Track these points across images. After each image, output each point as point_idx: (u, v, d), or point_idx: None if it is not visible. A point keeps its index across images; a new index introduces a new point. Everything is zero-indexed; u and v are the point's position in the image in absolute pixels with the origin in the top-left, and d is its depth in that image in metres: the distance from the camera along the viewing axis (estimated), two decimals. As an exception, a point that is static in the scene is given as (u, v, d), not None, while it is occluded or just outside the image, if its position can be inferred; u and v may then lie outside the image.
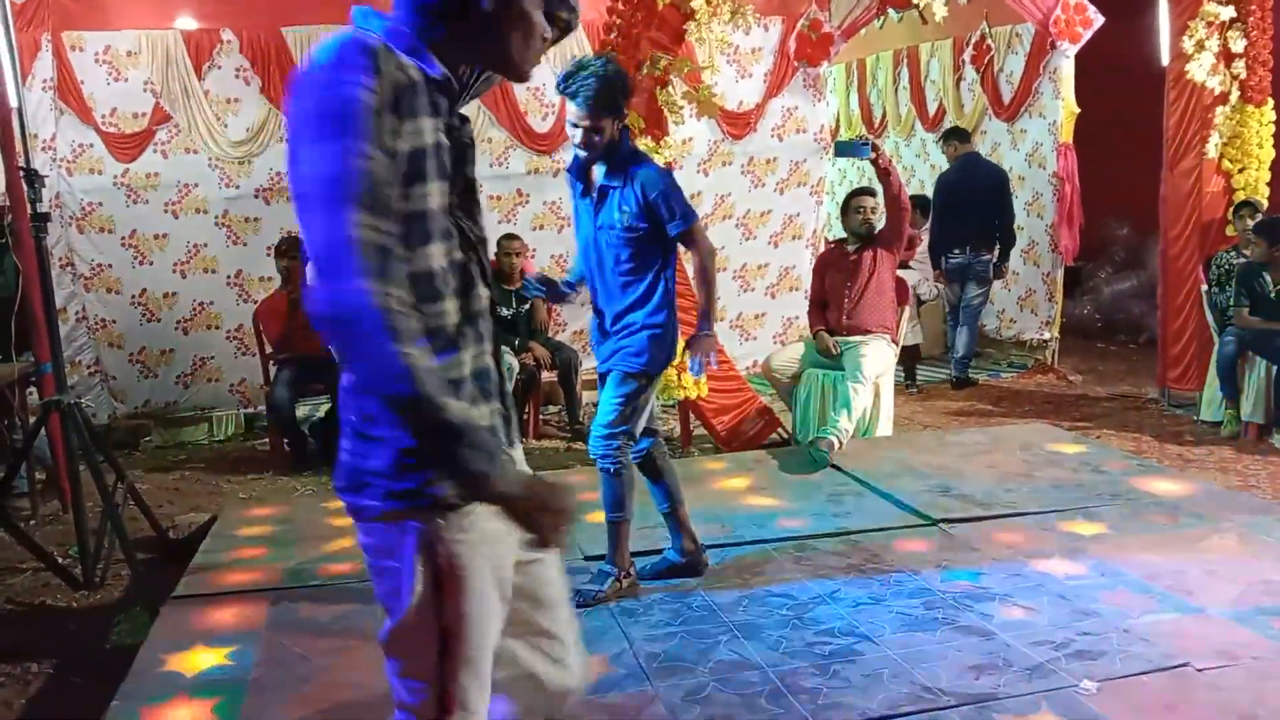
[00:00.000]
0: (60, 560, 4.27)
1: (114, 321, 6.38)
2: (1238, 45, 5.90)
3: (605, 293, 3.54)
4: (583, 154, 3.40)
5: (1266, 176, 6.07)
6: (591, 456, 3.59)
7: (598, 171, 3.47)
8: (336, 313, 1.45)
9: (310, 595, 3.77)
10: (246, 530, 4.51)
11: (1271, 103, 6.03)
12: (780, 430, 5.68)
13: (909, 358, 7.26)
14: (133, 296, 6.38)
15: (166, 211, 6.36)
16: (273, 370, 6.04)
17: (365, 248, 1.44)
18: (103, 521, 4.16)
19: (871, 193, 5.76)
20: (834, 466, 4.94)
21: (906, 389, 7.08)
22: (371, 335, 1.44)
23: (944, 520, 4.20)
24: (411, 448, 1.54)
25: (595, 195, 3.48)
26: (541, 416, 6.49)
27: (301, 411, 6.20)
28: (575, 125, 3.34)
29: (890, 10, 6.92)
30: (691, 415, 5.67)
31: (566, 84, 3.29)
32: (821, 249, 6.87)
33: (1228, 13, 5.86)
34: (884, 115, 9.88)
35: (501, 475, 1.50)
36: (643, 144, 5.23)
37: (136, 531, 4.47)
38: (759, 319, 7.30)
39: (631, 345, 3.52)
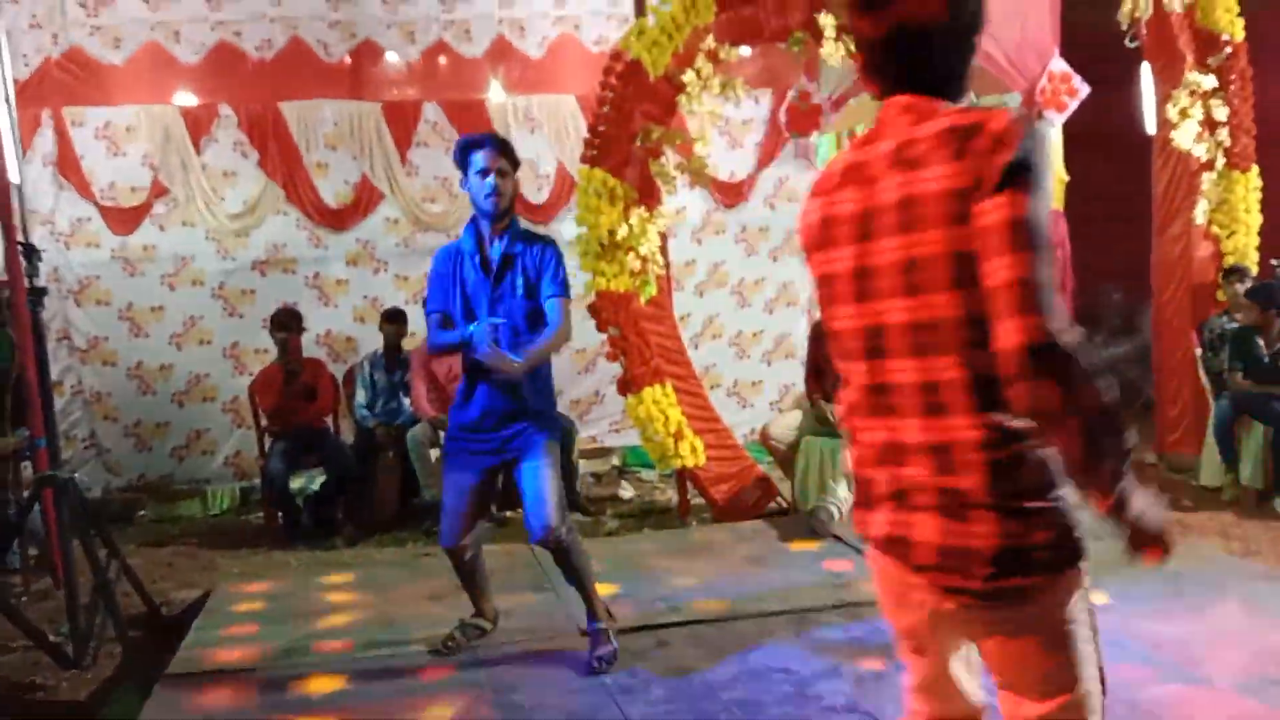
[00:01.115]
0: (51, 638, 4.20)
1: (109, 394, 6.38)
2: (1221, 114, 5.99)
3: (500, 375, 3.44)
4: (498, 205, 3.41)
5: (1255, 241, 6.13)
6: (551, 543, 3.49)
7: (496, 245, 3.47)
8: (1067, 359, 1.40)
9: (303, 673, 3.72)
10: (240, 606, 4.45)
11: (1257, 169, 6.11)
12: (779, 499, 5.65)
13: None
14: (129, 369, 6.38)
15: (163, 284, 6.39)
16: (267, 443, 6.02)
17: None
18: (94, 598, 4.11)
19: None
20: (834, 537, 4.91)
21: None
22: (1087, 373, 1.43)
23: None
24: (1068, 504, 1.54)
25: (497, 265, 3.47)
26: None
27: (296, 484, 6.17)
28: (488, 171, 3.39)
29: (879, 81, 7.00)
30: (689, 485, 5.64)
31: (470, 141, 3.43)
32: (817, 316, 6.92)
33: (1209, 82, 5.96)
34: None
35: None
36: (637, 214, 5.28)
37: (129, 608, 4.41)
38: (756, 386, 7.31)
39: (539, 420, 3.53)
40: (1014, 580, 1.53)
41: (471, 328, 3.41)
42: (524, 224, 3.65)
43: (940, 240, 1.49)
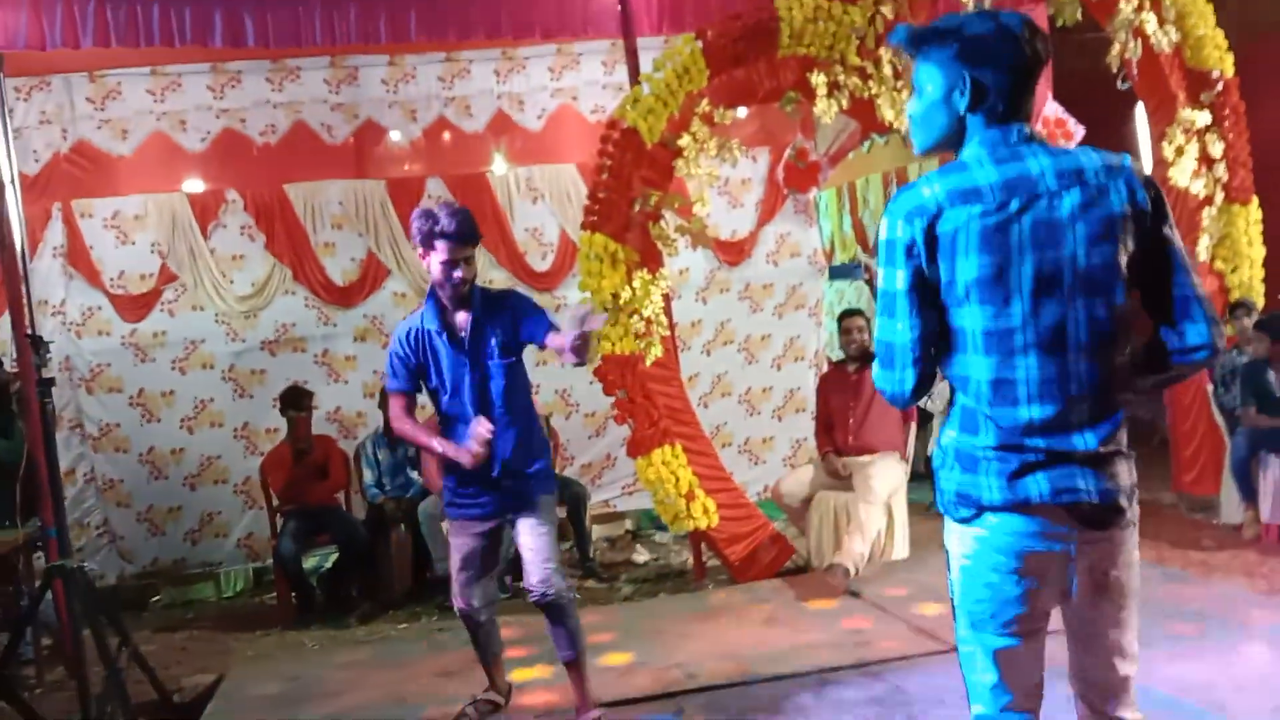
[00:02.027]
0: (63, 731, 4.17)
1: (122, 481, 6.39)
2: (1216, 149, 6.01)
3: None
4: (462, 291, 3.42)
5: (1260, 274, 6.10)
6: (550, 598, 3.48)
7: (462, 314, 3.48)
8: None
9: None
10: (254, 690, 4.42)
11: (1256, 200, 6.11)
12: (794, 557, 5.59)
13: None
14: (140, 455, 6.40)
15: (173, 369, 6.43)
16: (279, 522, 6.01)
17: None
18: (105, 687, 4.07)
19: (860, 313, 5.84)
20: (851, 593, 4.84)
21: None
22: None
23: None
24: None
25: (467, 333, 3.46)
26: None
27: (309, 564, 6.15)
28: (456, 262, 3.38)
29: (874, 135, 7.09)
30: (704, 546, 5.59)
31: (451, 226, 3.34)
32: (824, 369, 6.90)
33: (1203, 117, 5.98)
34: (877, 235, 10.03)
35: None
36: (640, 277, 5.31)
37: (141, 695, 4.37)
38: (767, 443, 7.27)
39: (535, 478, 3.56)
40: None
41: (446, 446, 3.46)
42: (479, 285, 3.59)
43: None
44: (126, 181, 6.38)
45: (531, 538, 3.48)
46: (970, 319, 1.93)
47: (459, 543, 3.62)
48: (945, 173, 1.94)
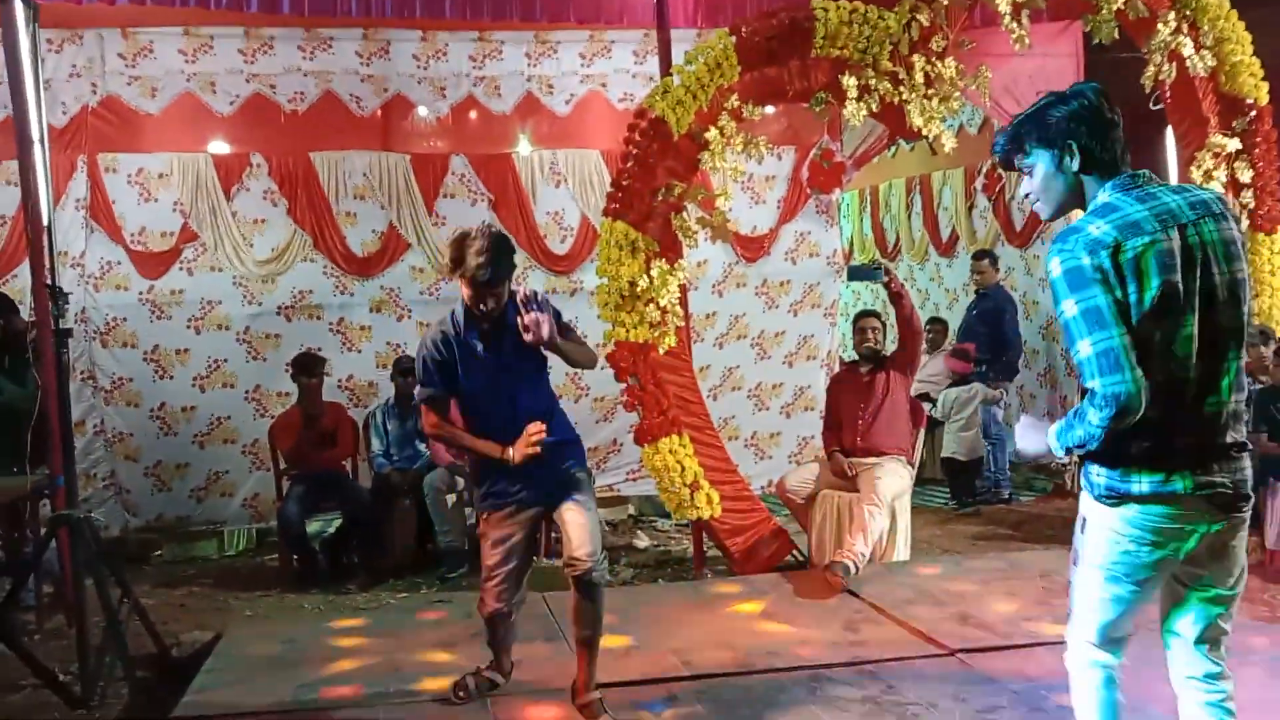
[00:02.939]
0: (60, 677, 4.20)
1: (131, 435, 6.43)
2: (1245, 175, 5.99)
3: (518, 433, 3.48)
4: (490, 316, 3.44)
5: (1280, 303, 6.09)
6: (594, 574, 3.48)
7: (494, 318, 3.48)
8: None
9: (311, 718, 3.70)
10: (251, 649, 4.44)
11: (1283, 231, 6.09)
12: (795, 553, 5.60)
13: (959, 474, 7.19)
14: (151, 410, 6.44)
15: (189, 327, 6.47)
16: (285, 486, 6.05)
17: None
18: (105, 638, 4.11)
19: (875, 314, 5.84)
20: (850, 592, 4.85)
21: (961, 510, 7.04)
22: None
23: (961, 650, 4.10)
24: None
25: (506, 337, 3.48)
26: (553, 535, 6.41)
27: (313, 528, 6.18)
28: (488, 304, 3.39)
29: (901, 140, 7.08)
30: (705, 536, 5.61)
31: (484, 275, 3.31)
32: (836, 369, 6.91)
33: (1234, 144, 5.96)
34: (897, 240, 10.02)
35: None
36: (658, 266, 5.31)
37: (140, 648, 4.41)
38: (774, 438, 7.28)
39: (569, 452, 3.62)
40: None
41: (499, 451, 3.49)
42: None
43: None
44: (153, 139, 6.40)
45: (577, 514, 3.49)
46: (1151, 330, 2.22)
47: (499, 536, 3.59)
48: (1102, 214, 2.27)
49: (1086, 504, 2.42)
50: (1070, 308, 2.24)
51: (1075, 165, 2.34)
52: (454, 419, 3.70)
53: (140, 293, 6.40)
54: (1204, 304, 2.25)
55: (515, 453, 3.44)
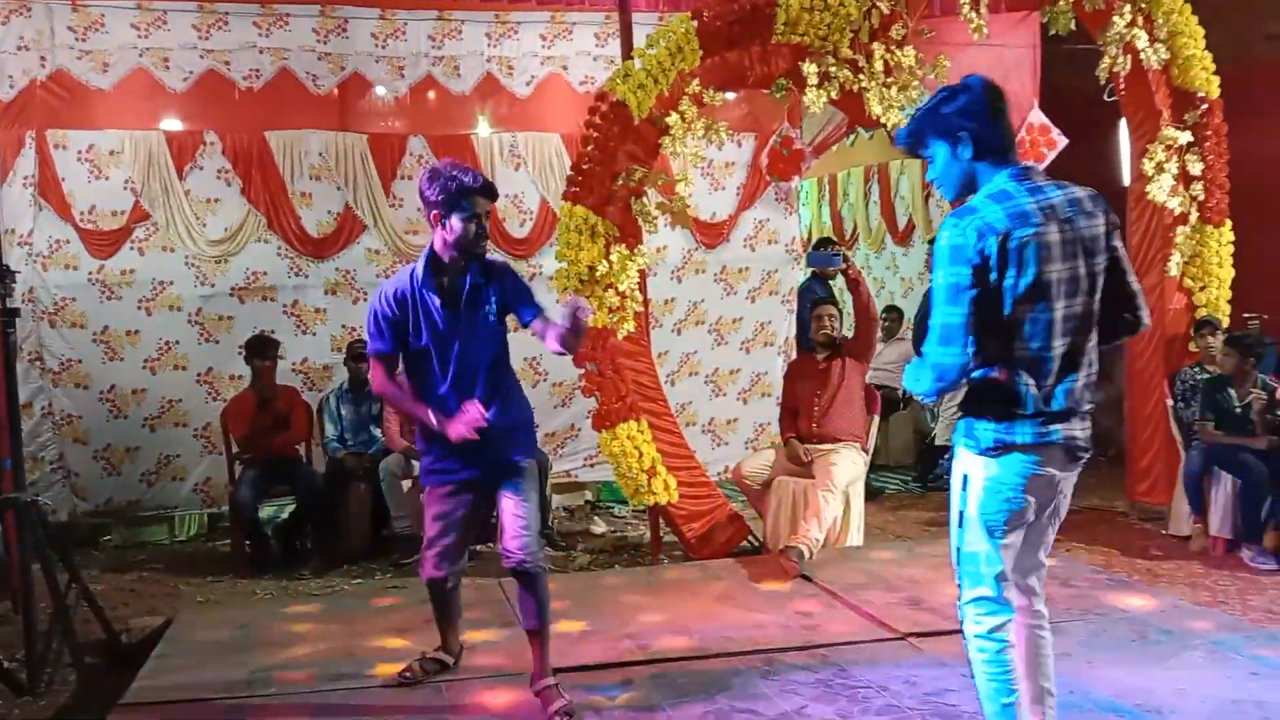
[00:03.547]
0: (5, 664, 4.13)
1: (80, 417, 6.32)
2: (1195, 168, 6.08)
3: (476, 399, 3.43)
4: (485, 249, 3.44)
5: (1227, 295, 6.19)
6: (527, 565, 3.42)
7: (464, 278, 3.43)
8: None
9: (264, 704, 3.67)
10: (202, 635, 4.40)
11: (1230, 223, 6.19)
12: (750, 538, 5.64)
13: (937, 456, 7.27)
14: (101, 392, 6.33)
15: (140, 308, 6.36)
16: (238, 470, 5.98)
17: None
18: (52, 624, 4.05)
19: (832, 302, 5.88)
20: (804, 577, 4.90)
21: (930, 486, 7.12)
22: None
23: (913, 634, 4.15)
24: None
25: (465, 295, 3.42)
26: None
27: (266, 513, 6.13)
28: (481, 218, 3.37)
29: (860, 128, 7.11)
30: (661, 522, 5.63)
31: (478, 181, 3.35)
32: (793, 356, 6.94)
33: (1185, 137, 6.06)
34: (855, 228, 10.09)
35: None
36: (618, 251, 5.31)
37: (89, 634, 4.35)
38: (731, 424, 7.31)
39: (519, 438, 3.57)
40: None
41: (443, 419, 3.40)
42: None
43: None
44: (104, 115, 6.27)
45: (515, 504, 3.45)
46: (1026, 312, 2.51)
47: (439, 509, 3.56)
48: (998, 199, 2.54)
49: (968, 461, 2.68)
50: (940, 277, 2.53)
51: (968, 153, 2.60)
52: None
53: (90, 272, 6.28)
54: (1069, 292, 2.55)
55: (453, 431, 3.36)
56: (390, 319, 3.43)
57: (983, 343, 2.52)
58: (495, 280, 3.49)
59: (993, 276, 2.50)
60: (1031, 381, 2.56)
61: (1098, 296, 2.61)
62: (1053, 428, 2.59)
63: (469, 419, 3.34)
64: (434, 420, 3.41)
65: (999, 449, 2.60)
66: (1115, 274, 2.65)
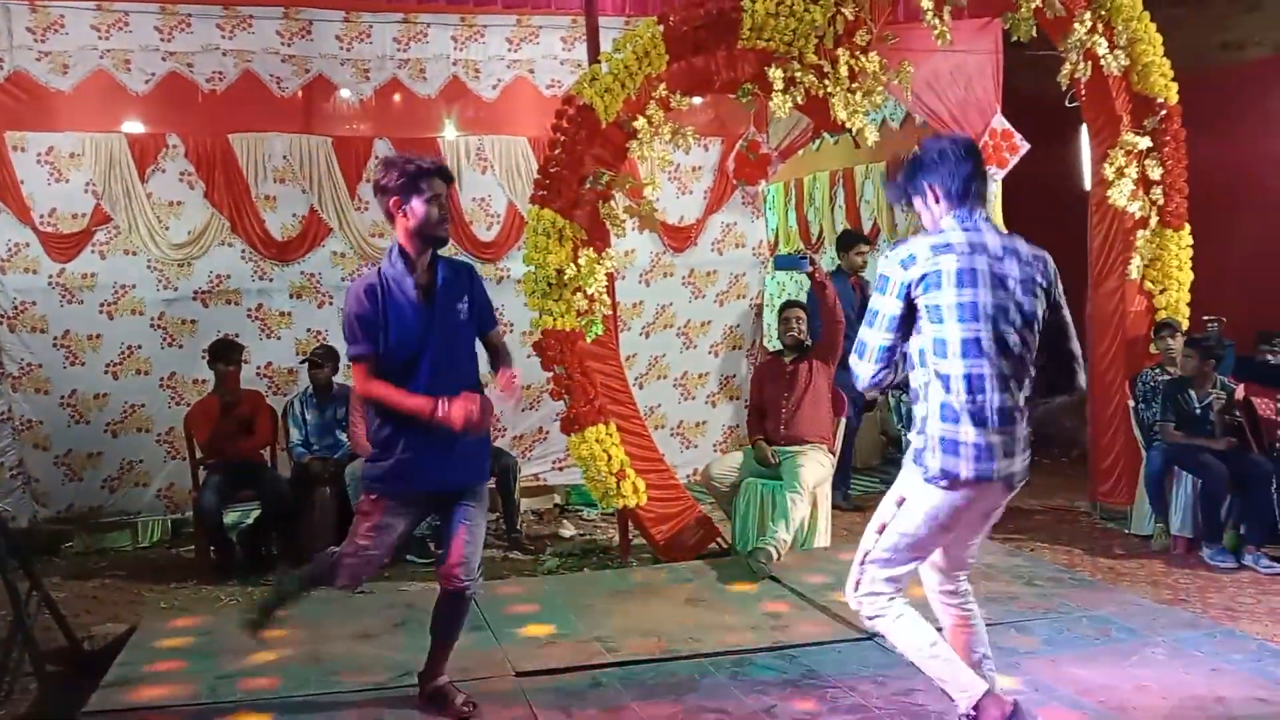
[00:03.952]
0: (-36, 674, 4.06)
1: (40, 422, 6.22)
2: (1155, 173, 6.18)
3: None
4: (448, 233, 3.36)
5: (1186, 297, 6.29)
6: (469, 590, 3.41)
7: (436, 272, 3.36)
8: None
9: (228, 711, 3.63)
10: (166, 642, 4.35)
11: (1189, 227, 6.29)
12: (719, 540, 5.66)
13: None
14: (62, 397, 6.24)
15: (101, 312, 6.27)
16: (202, 475, 5.92)
17: None
18: (12, 632, 3.99)
19: (802, 305, 5.92)
20: (772, 578, 4.92)
21: None
22: None
23: (880, 635, 4.16)
24: None
25: (439, 292, 3.34)
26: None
27: (230, 519, 6.07)
28: (441, 199, 3.29)
29: (825, 134, 7.15)
30: (630, 525, 5.63)
31: (434, 164, 3.32)
32: (760, 359, 6.98)
33: (1145, 142, 6.15)
34: (821, 232, 10.13)
35: None
36: (586, 255, 5.31)
37: (50, 642, 4.28)
38: (699, 427, 7.33)
39: (485, 452, 3.55)
40: None
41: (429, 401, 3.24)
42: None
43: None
44: (64, 117, 6.18)
45: (468, 528, 3.38)
46: (950, 332, 2.79)
47: (382, 520, 3.39)
48: (933, 235, 2.88)
49: (913, 485, 2.90)
50: (873, 300, 2.89)
51: (932, 199, 2.94)
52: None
53: (50, 276, 6.18)
54: (996, 321, 2.79)
55: (457, 412, 3.19)
56: (367, 317, 3.28)
57: (908, 358, 2.88)
58: (468, 279, 3.44)
59: (915, 294, 2.81)
60: (962, 399, 2.79)
61: (1029, 333, 2.84)
62: (994, 462, 2.80)
63: (473, 404, 3.20)
64: (437, 407, 3.20)
65: (946, 481, 2.82)
66: (1056, 332, 2.91)
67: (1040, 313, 2.85)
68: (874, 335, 2.85)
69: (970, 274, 2.79)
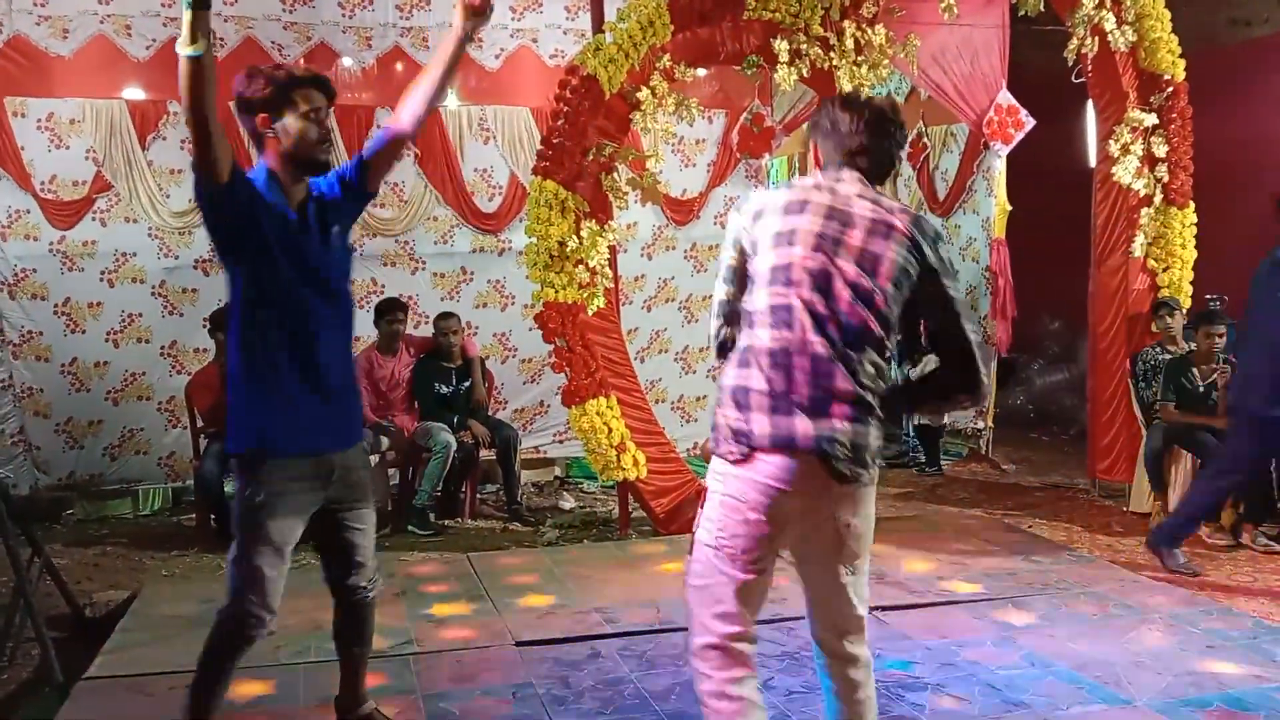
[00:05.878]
0: (-33, 638, 4.09)
1: (41, 390, 6.23)
2: (1160, 150, 6.14)
3: (331, 343, 2.82)
4: (331, 156, 2.81)
5: (1190, 276, 6.27)
6: (373, 598, 3.09)
7: (311, 192, 2.80)
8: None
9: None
10: (167, 609, 4.36)
11: (1193, 205, 6.27)
12: (718, 514, 5.66)
13: (930, 436, 7.32)
14: (63, 365, 6.24)
15: (102, 280, 6.27)
16: (202, 444, 5.93)
17: None
18: (14, 598, 4.00)
19: None
20: (771, 552, 4.92)
21: (926, 471, 7.14)
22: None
23: (878, 608, 4.19)
24: None
25: (314, 210, 2.79)
26: (479, 496, 6.41)
27: (230, 487, 6.07)
28: (323, 114, 2.75)
29: (830, 106, 7.07)
30: (630, 497, 5.64)
31: (308, 72, 2.80)
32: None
33: (1150, 119, 6.11)
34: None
35: None
36: (588, 227, 5.29)
37: (51, 609, 4.31)
38: (700, 401, 7.34)
39: (359, 417, 3.09)
40: None
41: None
42: None
43: None
44: (64, 83, 6.13)
45: (363, 534, 3.00)
46: (761, 296, 2.41)
47: (281, 524, 2.80)
48: (776, 188, 2.57)
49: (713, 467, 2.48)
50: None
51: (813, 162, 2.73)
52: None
53: (51, 243, 6.17)
54: (816, 284, 2.35)
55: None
56: (244, 182, 2.68)
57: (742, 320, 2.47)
58: (330, 182, 2.84)
59: (748, 253, 2.50)
60: (758, 379, 2.35)
61: (871, 310, 2.33)
62: (808, 429, 2.29)
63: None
64: None
65: (738, 456, 2.36)
66: (941, 317, 2.42)
67: (889, 287, 2.36)
68: (719, 290, 2.60)
69: (793, 232, 2.41)
